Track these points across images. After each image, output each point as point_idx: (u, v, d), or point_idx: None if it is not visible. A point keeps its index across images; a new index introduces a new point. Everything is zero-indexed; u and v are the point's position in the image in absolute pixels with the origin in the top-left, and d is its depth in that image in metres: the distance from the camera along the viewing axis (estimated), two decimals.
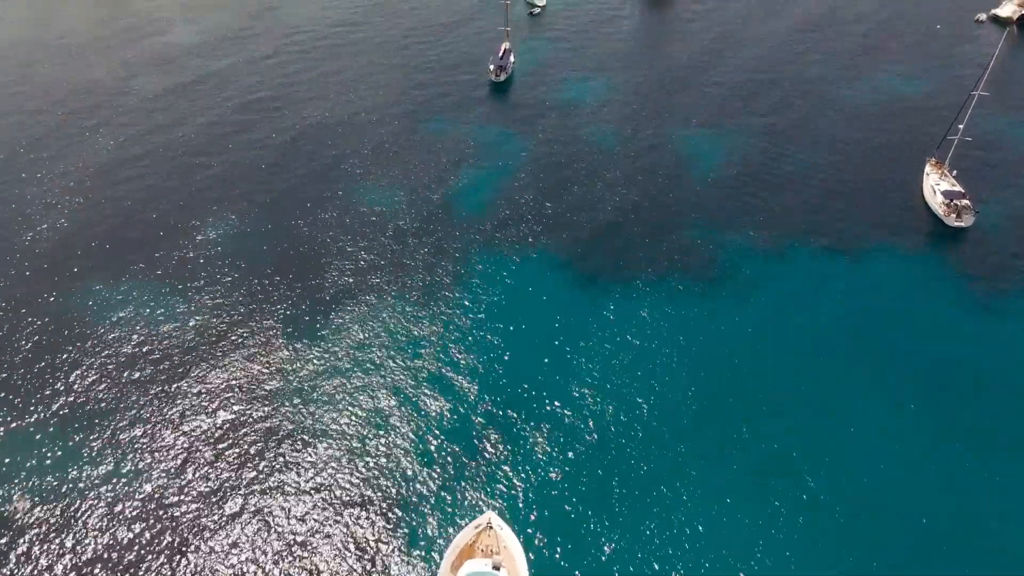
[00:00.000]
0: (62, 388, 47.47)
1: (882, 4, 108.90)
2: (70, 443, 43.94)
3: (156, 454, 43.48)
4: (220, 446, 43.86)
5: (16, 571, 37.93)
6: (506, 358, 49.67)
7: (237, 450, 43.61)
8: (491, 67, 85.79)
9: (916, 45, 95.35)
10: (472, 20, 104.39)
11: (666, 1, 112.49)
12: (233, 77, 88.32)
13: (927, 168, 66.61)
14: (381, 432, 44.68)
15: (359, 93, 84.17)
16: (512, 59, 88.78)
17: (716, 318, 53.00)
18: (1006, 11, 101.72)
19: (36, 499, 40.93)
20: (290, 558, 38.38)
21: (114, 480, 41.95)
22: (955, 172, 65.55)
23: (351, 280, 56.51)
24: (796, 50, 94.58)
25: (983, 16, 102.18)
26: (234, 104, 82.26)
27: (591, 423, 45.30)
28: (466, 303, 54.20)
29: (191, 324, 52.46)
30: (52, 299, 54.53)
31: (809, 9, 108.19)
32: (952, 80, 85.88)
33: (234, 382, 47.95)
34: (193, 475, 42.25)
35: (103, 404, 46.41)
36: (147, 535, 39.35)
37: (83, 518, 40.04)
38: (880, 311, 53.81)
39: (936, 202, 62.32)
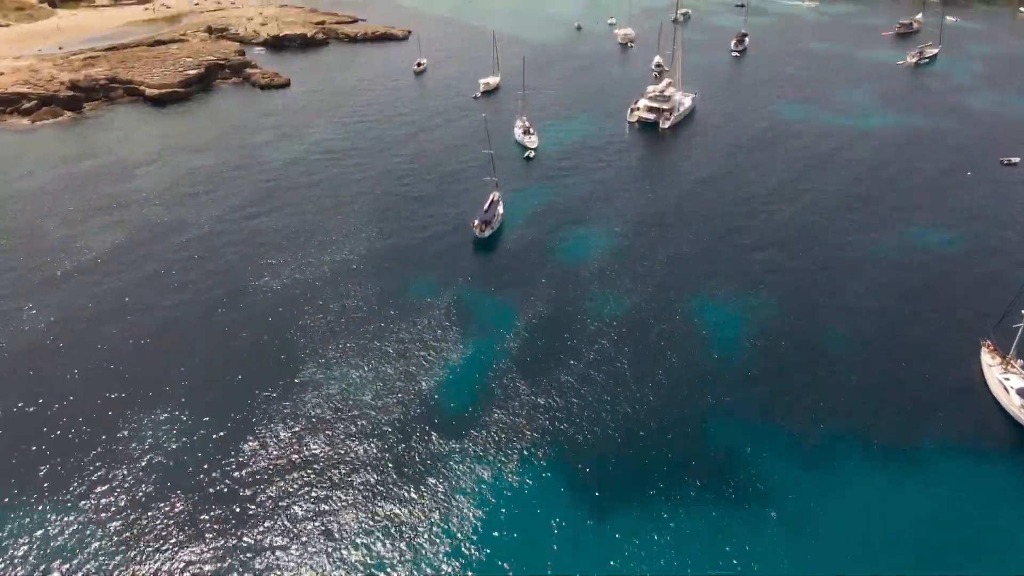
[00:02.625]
0: None
1: (904, 146, 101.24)
2: None
3: None
4: None
5: None
6: None
7: None
8: (475, 222, 77.20)
9: (946, 192, 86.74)
10: (458, 169, 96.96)
11: (664, 143, 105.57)
12: (192, 230, 79.99)
13: (985, 355, 56.10)
14: None
15: (331, 251, 75.24)
16: (500, 210, 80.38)
17: (740, 550, 41.26)
18: None
19: None
20: None
21: None
22: (1022, 363, 54.89)
23: (297, 515, 45.28)
24: (812, 195, 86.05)
25: (1015, 159, 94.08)
26: (187, 267, 73.44)
27: None
28: (452, 536, 42.73)
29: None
30: None
31: (822, 152, 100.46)
32: (992, 233, 76.71)
33: None
34: None
35: None
36: None
37: None
38: (955, 540, 42.27)
39: (1014, 405, 51.44)
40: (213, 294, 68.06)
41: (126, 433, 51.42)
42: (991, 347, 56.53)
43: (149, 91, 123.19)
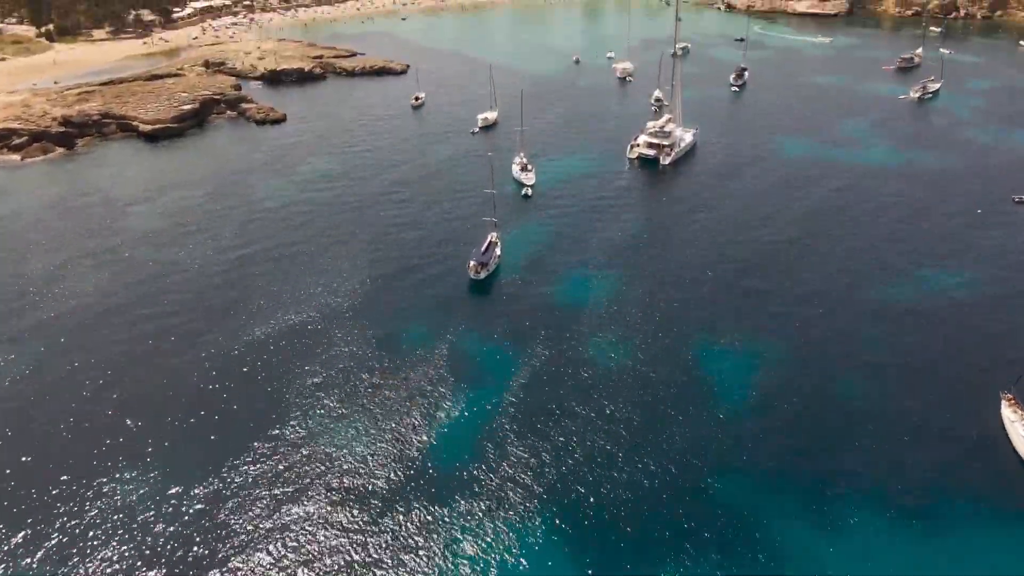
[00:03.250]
0: None
1: (911, 183, 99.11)
2: None
3: None
4: None
5: None
6: None
7: None
8: (471, 263, 74.84)
9: (957, 231, 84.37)
10: (455, 208, 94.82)
11: (665, 180, 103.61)
12: (179, 272, 77.62)
13: (1006, 409, 53.34)
14: None
15: (321, 294, 72.79)
16: (498, 252, 78.03)
17: None
18: None
19: None
20: None
21: None
22: None
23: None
24: (819, 235, 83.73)
25: None
26: (173, 310, 70.96)
27: None
28: None
29: None
30: None
31: (827, 189, 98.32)
32: (1007, 276, 74.24)
33: None
34: None
35: None
36: None
37: None
38: None
39: None
40: (197, 341, 65.48)
41: (97, 493, 48.54)
42: (1012, 400, 53.82)
43: (142, 126, 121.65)
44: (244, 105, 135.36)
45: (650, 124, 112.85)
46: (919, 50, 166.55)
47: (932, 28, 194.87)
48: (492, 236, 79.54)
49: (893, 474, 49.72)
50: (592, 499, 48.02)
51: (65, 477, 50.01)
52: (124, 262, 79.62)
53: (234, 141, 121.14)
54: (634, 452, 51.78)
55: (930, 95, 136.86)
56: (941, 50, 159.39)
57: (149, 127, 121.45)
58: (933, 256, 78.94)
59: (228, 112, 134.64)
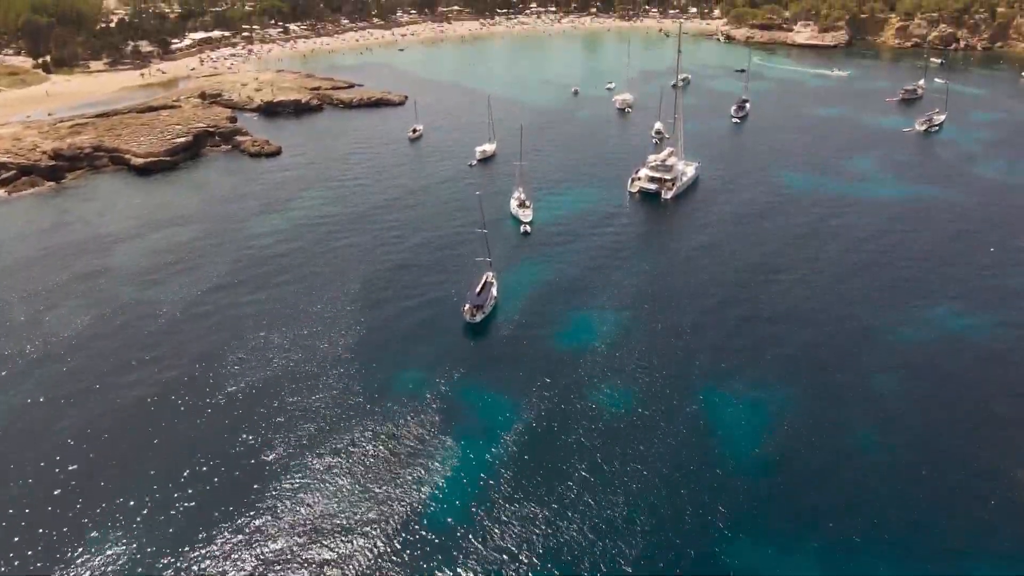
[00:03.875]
0: None
1: (919, 218, 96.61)
2: None
3: None
4: None
5: None
6: None
7: None
8: (466, 306, 71.97)
9: (970, 270, 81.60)
10: (451, 245, 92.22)
11: (667, 215, 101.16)
12: (165, 313, 74.71)
13: None
14: None
15: (311, 336, 69.83)
16: (494, 293, 75.17)
17: None
18: None
19: None
20: None
21: None
22: None
23: None
24: (827, 272, 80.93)
25: None
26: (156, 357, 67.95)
27: None
28: None
29: None
30: None
31: (833, 225, 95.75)
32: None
33: None
34: None
35: None
36: None
37: None
38: None
39: None
40: (179, 388, 62.41)
41: (64, 561, 45.16)
42: None
43: (134, 160, 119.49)
44: (239, 138, 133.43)
45: (651, 157, 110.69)
46: (921, 82, 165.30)
47: (933, 59, 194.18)
48: (488, 276, 76.73)
49: (916, 535, 46.48)
50: (596, 561, 44.66)
51: (29, 551, 46.69)
52: (106, 303, 76.68)
53: (227, 174, 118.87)
54: (637, 517, 48.43)
55: (936, 128, 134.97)
56: (944, 82, 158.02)
57: (141, 160, 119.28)
58: (947, 297, 76.07)
59: (223, 145, 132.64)
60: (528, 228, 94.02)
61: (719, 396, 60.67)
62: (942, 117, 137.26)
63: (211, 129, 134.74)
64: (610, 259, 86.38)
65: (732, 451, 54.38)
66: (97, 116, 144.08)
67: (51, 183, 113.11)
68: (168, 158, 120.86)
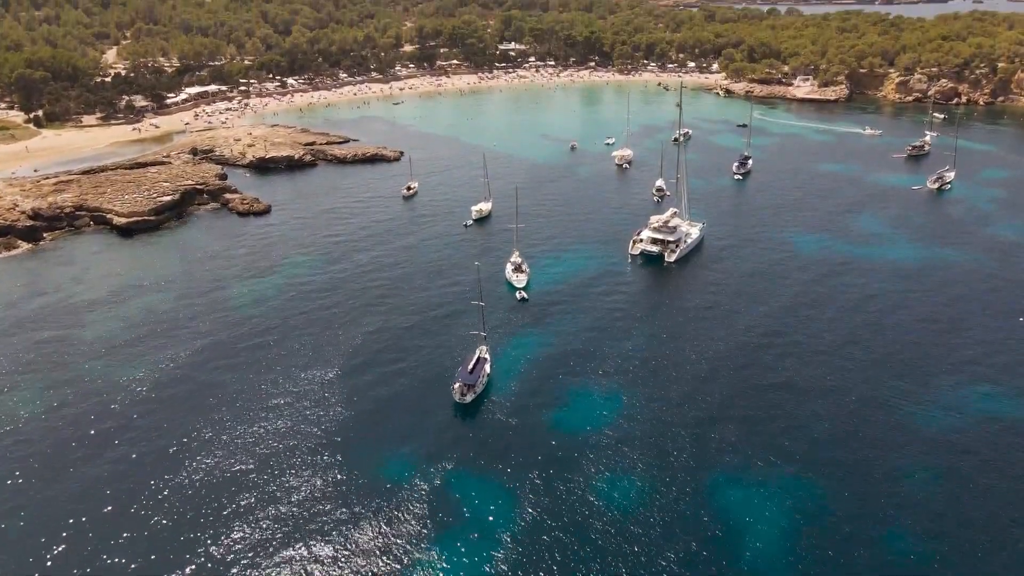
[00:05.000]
0: None
1: (939, 285, 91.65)
2: None
3: None
4: None
5: None
6: None
7: None
8: (456, 384, 66.57)
9: (1000, 343, 76.36)
10: (443, 316, 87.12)
11: (671, 280, 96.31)
12: (133, 392, 69.20)
13: None
14: None
15: (290, 416, 64.29)
16: (487, 370, 69.78)
17: None
18: None
19: None
20: None
21: None
22: None
23: None
24: (846, 345, 75.73)
25: None
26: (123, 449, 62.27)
27: None
28: None
29: None
30: None
31: (848, 291, 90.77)
32: None
33: None
34: None
35: None
36: None
37: None
38: None
39: None
40: (141, 479, 56.79)
41: None
42: None
43: (117, 219, 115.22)
44: (227, 195, 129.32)
45: (654, 218, 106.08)
46: (928, 137, 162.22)
47: (936, 114, 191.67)
48: (480, 351, 71.44)
49: None
50: None
51: None
52: (70, 383, 71.18)
53: (213, 235, 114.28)
54: None
55: (948, 186, 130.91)
56: (951, 137, 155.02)
57: (124, 220, 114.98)
58: (978, 374, 70.68)
59: (210, 203, 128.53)
60: (524, 294, 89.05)
61: (731, 486, 55.28)
62: (952, 174, 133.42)
63: (199, 186, 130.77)
64: (611, 328, 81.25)
65: (749, 553, 48.60)
66: (84, 173, 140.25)
67: (29, 244, 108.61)
68: (152, 217, 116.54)
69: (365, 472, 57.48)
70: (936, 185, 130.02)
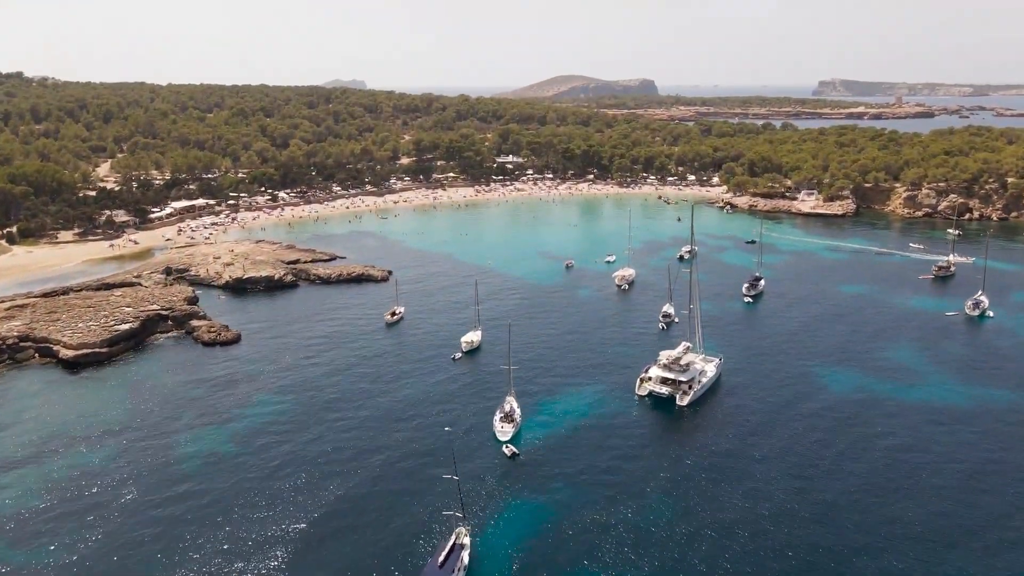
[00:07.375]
0: None
1: (991, 431, 79.13)
2: None
3: None
4: None
5: None
6: None
7: None
8: None
9: None
10: (418, 484, 74.19)
11: (684, 427, 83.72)
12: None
13: None
14: None
15: None
16: (465, 560, 56.33)
17: None
18: None
19: None
20: None
21: None
22: None
23: None
24: (888, 510, 62.48)
25: None
26: None
27: None
28: None
29: None
30: None
31: (886, 441, 78.09)
32: None
33: None
34: None
35: None
36: None
37: None
38: None
39: None
40: None
41: None
42: None
43: (64, 352, 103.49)
44: (194, 322, 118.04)
45: (663, 354, 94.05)
46: (951, 256, 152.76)
47: (949, 231, 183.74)
48: (457, 535, 58.07)
49: None
50: None
51: None
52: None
53: (171, 370, 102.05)
54: None
55: (990, 312, 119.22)
56: (976, 259, 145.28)
57: (72, 353, 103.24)
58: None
59: (174, 330, 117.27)
60: (514, 448, 76.25)
61: None
62: (986, 299, 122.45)
63: (164, 312, 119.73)
64: (617, 496, 68.17)
65: None
66: (43, 295, 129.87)
67: None
68: (104, 350, 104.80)
69: None
70: (976, 312, 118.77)
